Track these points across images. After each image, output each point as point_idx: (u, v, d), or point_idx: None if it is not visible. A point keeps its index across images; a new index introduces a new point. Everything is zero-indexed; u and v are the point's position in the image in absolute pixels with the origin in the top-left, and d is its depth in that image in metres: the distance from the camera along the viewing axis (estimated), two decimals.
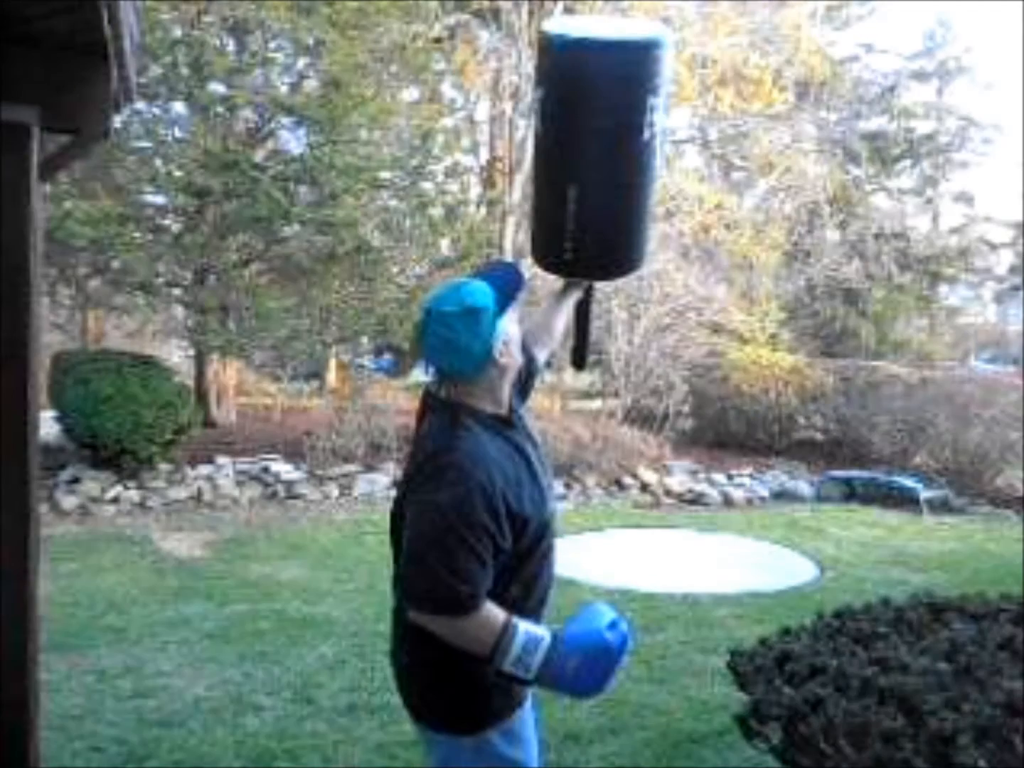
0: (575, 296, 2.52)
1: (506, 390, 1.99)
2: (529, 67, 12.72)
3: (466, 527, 1.80)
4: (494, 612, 1.84)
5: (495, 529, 1.83)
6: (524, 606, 1.97)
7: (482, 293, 1.92)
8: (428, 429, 1.99)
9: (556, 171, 2.37)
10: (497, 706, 1.96)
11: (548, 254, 2.47)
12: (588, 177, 2.30)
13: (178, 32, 9.63)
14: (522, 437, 2.03)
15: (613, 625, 1.91)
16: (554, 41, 2.28)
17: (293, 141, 11.15)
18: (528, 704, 2.08)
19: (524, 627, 1.84)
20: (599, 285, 2.70)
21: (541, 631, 1.86)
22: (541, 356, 2.33)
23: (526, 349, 2.13)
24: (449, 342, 1.89)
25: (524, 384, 2.15)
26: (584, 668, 1.85)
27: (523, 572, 1.96)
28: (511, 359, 1.96)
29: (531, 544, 1.94)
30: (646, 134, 2.28)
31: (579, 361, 2.67)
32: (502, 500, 1.85)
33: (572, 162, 2.31)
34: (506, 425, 1.98)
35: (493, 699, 1.94)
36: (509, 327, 1.95)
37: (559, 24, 2.42)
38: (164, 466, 9.22)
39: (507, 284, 1.97)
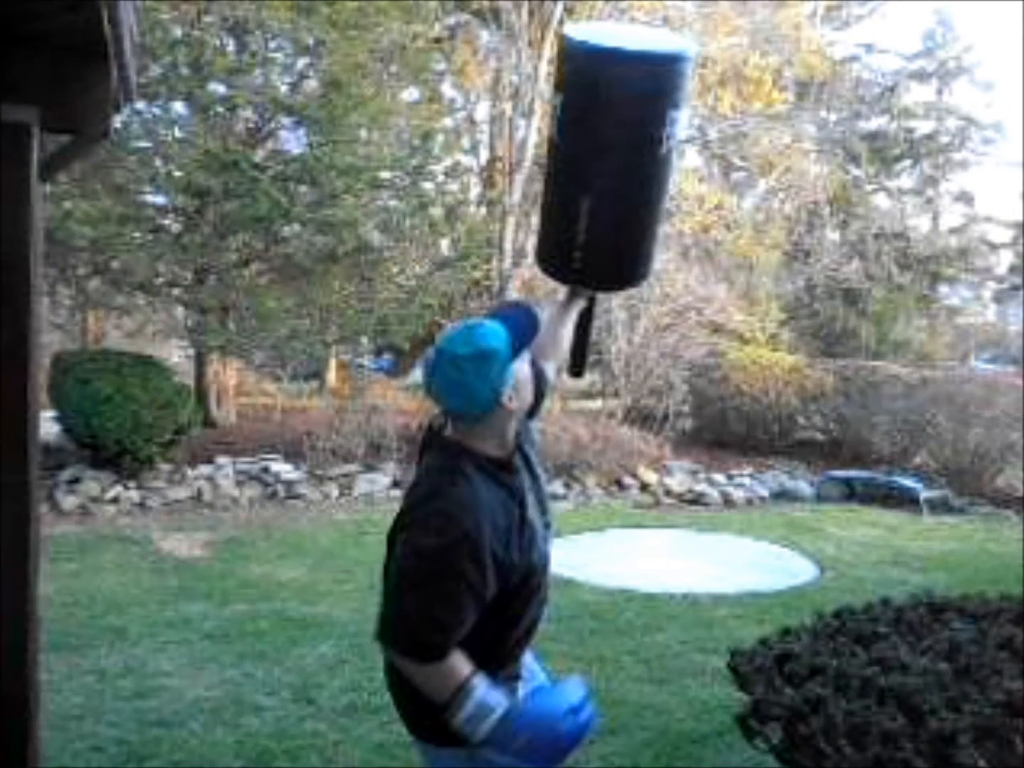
0: (580, 305, 2.49)
1: (511, 432, 1.97)
2: (529, 67, 12.72)
3: (447, 577, 1.80)
4: (457, 668, 1.82)
5: (478, 580, 1.82)
6: (507, 641, 1.99)
7: (496, 336, 1.88)
8: (427, 467, 1.99)
9: (571, 180, 2.33)
10: None
11: (555, 262, 2.44)
12: (603, 188, 2.26)
13: (178, 32, 9.63)
14: (521, 479, 2.00)
15: (578, 708, 1.85)
16: (577, 48, 2.22)
17: (293, 141, 11.16)
18: None
19: (481, 693, 1.81)
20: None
21: (497, 700, 1.81)
22: (550, 370, 2.29)
23: (535, 365, 2.08)
24: (458, 384, 1.86)
25: (535, 401, 2.09)
26: (531, 748, 1.82)
27: (507, 611, 1.95)
28: (519, 403, 1.94)
29: (516, 586, 1.93)
30: (664, 148, 2.24)
31: (578, 370, 2.64)
32: (489, 550, 1.82)
33: (588, 172, 2.27)
34: (506, 469, 1.96)
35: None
36: (520, 369, 1.92)
37: (582, 30, 2.33)
38: (164, 466, 9.22)
39: (522, 328, 1.92)
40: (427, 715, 1.97)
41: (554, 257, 2.45)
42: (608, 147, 2.23)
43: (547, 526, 2.06)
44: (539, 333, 2.00)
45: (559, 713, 1.83)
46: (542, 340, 2.30)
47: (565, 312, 2.47)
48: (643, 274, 2.50)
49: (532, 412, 2.11)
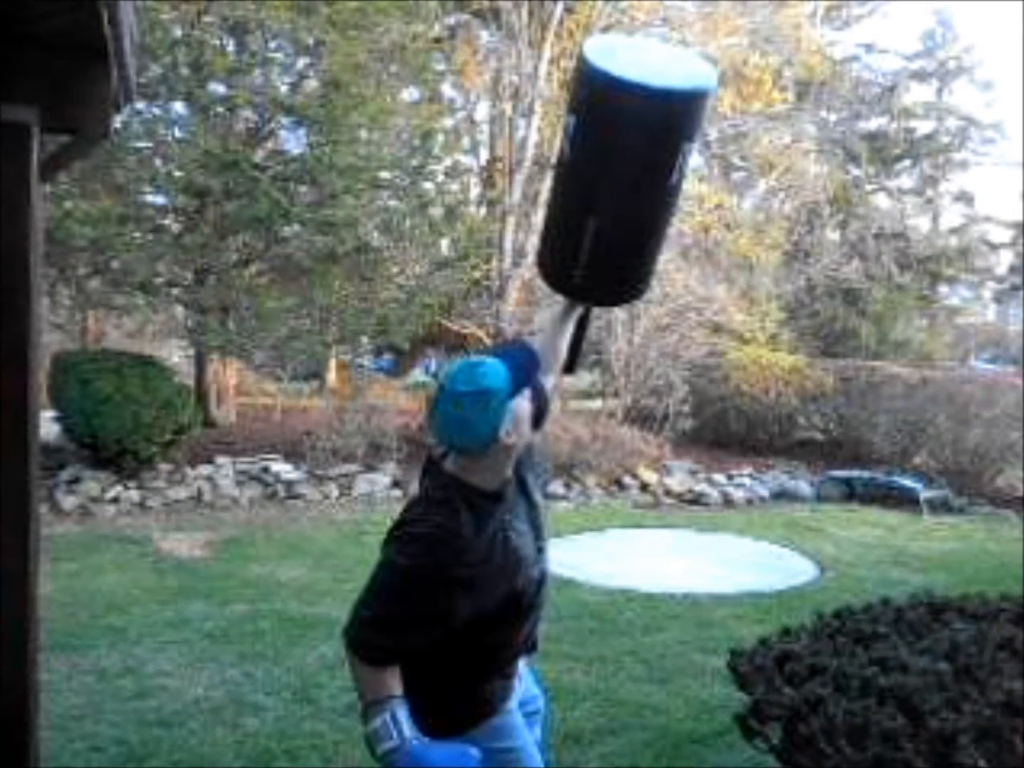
0: (577, 314, 2.52)
1: (509, 466, 2.04)
2: (529, 67, 12.71)
3: (410, 597, 1.90)
4: (386, 683, 1.89)
5: (441, 607, 1.91)
6: (502, 651, 2.08)
7: (496, 374, 1.95)
8: (422, 493, 2.08)
9: (578, 200, 2.33)
10: (463, 715, 2.03)
11: (556, 275, 2.45)
12: (609, 212, 2.27)
13: (178, 32, 9.62)
14: (512, 507, 2.06)
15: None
16: (595, 75, 2.17)
17: (293, 141, 11.16)
18: (514, 708, 2.15)
19: (388, 718, 1.86)
20: None
21: (400, 733, 1.85)
22: (549, 383, 2.35)
23: (534, 386, 2.12)
24: (458, 420, 1.94)
25: (536, 415, 2.13)
26: None
27: (498, 629, 2.03)
28: (518, 440, 2.00)
29: (502, 610, 2.01)
30: (674, 177, 2.24)
31: (570, 367, 2.65)
32: (461, 583, 1.91)
33: (596, 195, 2.27)
34: (496, 500, 2.01)
35: (457, 709, 2.01)
36: (520, 406, 1.98)
37: (601, 50, 2.24)
38: (164, 466, 9.22)
39: (522, 366, 2.00)
40: (415, 708, 2.01)
41: (555, 270, 2.47)
42: (618, 174, 2.22)
43: (540, 550, 2.12)
44: (538, 368, 2.06)
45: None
46: (541, 352, 2.34)
47: (563, 322, 2.49)
48: (642, 291, 2.53)
49: (536, 424, 2.14)
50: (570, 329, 2.51)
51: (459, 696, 2.01)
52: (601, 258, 2.31)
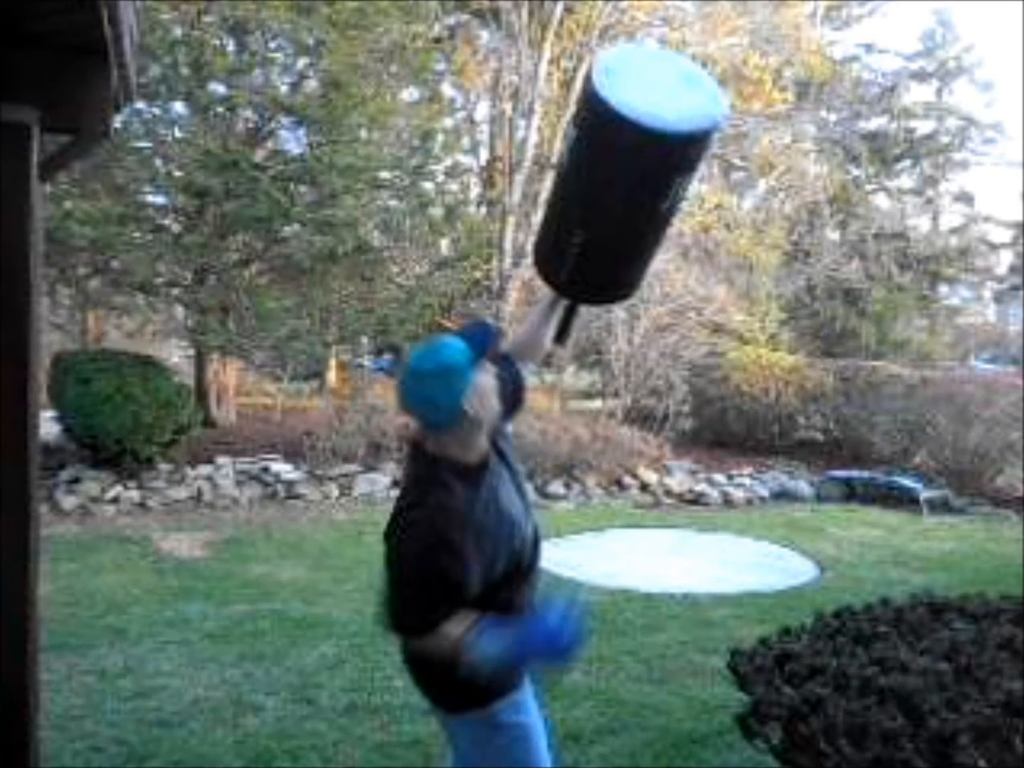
0: (563, 306, 2.59)
1: (482, 438, 2.16)
2: (529, 67, 12.72)
3: (429, 576, 2.01)
4: (450, 633, 1.99)
5: (457, 574, 2.02)
6: (515, 601, 2.17)
7: (456, 351, 2.07)
8: (411, 477, 2.21)
9: (569, 212, 2.36)
10: (495, 687, 2.14)
11: (546, 272, 2.52)
12: (598, 229, 2.29)
13: (178, 32, 9.63)
14: (497, 475, 2.18)
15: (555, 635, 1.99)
16: (596, 101, 2.13)
17: (293, 141, 11.16)
18: (529, 689, 2.26)
19: (476, 653, 1.96)
20: None
21: (496, 643, 1.96)
22: (527, 369, 2.48)
23: (512, 368, 2.31)
24: (425, 397, 2.06)
25: (512, 398, 2.28)
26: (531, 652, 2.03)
27: (505, 590, 2.15)
28: (484, 411, 2.10)
29: (507, 567, 2.13)
30: (667, 203, 2.25)
31: (560, 338, 2.66)
32: (468, 547, 2.02)
33: (588, 210, 2.29)
34: (480, 470, 2.14)
35: (487, 682, 2.08)
36: (482, 380, 2.08)
37: (611, 71, 2.19)
38: (164, 466, 9.22)
39: (481, 342, 2.11)
40: (443, 686, 2.19)
41: (545, 267, 2.53)
42: (613, 196, 2.24)
43: (527, 508, 2.27)
44: (499, 341, 2.22)
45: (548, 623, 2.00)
46: (523, 340, 2.57)
47: (548, 313, 2.56)
48: (628, 295, 2.57)
49: (512, 410, 2.31)
50: (555, 320, 2.59)
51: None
52: (586, 267, 2.36)
